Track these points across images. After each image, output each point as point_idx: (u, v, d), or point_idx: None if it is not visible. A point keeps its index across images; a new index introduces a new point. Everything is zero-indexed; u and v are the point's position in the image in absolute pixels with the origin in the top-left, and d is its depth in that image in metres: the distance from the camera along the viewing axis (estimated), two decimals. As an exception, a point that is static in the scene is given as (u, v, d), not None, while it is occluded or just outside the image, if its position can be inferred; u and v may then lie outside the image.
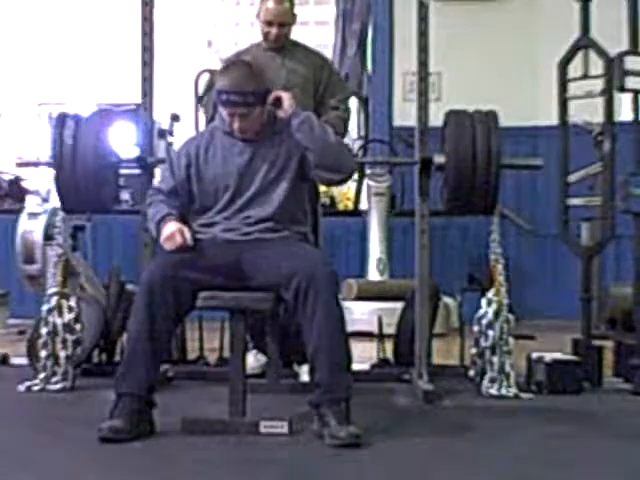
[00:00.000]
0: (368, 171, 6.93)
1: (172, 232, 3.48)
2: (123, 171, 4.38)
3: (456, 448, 3.26)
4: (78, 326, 4.20)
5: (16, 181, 7.63)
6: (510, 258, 4.83)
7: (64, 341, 4.17)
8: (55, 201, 4.44)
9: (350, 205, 7.49)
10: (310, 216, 3.80)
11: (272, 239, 3.52)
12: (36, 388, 4.11)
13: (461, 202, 4.13)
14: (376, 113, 7.68)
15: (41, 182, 7.35)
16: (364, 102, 7.75)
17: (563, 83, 4.52)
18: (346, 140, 4.66)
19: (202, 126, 6.99)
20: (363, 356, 4.72)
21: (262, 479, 2.93)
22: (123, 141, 5.35)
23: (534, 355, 4.26)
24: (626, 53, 4.37)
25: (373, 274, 6.79)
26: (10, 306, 6.43)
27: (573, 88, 4.52)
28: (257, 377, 4.17)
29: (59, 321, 4.17)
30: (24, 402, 3.98)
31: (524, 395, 4.08)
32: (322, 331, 3.30)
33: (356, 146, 7.63)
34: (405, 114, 6.82)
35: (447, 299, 6.00)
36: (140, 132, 4.42)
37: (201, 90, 4.40)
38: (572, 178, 4.57)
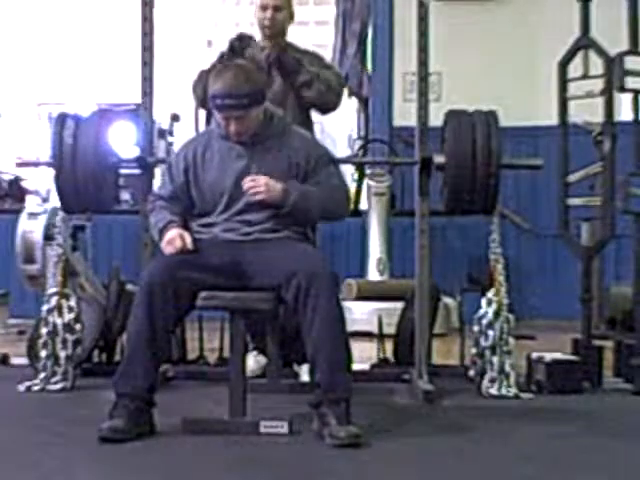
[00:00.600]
0: (368, 171, 6.93)
1: (173, 237, 3.48)
2: (123, 171, 4.38)
3: (456, 448, 3.26)
4: (78, 326, 4.20)
5: (16, 181, 7.63)
6: (510, 258, 4.83)
7: (64, 341, 4.17)
8: (55, 201, 4.44)
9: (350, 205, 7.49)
10: None
11: (272, 239, 3.52)
12: (36, 388, 4.11)
13: (461, 202, 4.14)
14: (376, 113, 7.68)
15: (41, 182, 7.35)
16: (364, 102, 7.76)
17: (563, 83, 4.52)
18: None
19: (202, 125, 7.01)
20: (363, 356, 4.72)
21: (262, 479, 2.93)
22: (123, 141, 5.36)
23: (534, 355, 4.26)
24: (626, 53, 4.37)
25: (373, 274, 6.79)
26: (10, 306, 6.43)
27: (573, 88, 4.51)
28: (257, 378, 4.18)
29: (59, 321, 4.17)
30: (24, 402, 3.98)
31: (524, 395, 4.08)
32: (322, 331, 3.30)
33: (356, 146, 7.65)
34: (405, 114, 6.82)
35: (447, 299, 6.00)
36: (140, 132, 4.42)
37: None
38: (572, 178, 4.57)
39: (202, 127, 7.10)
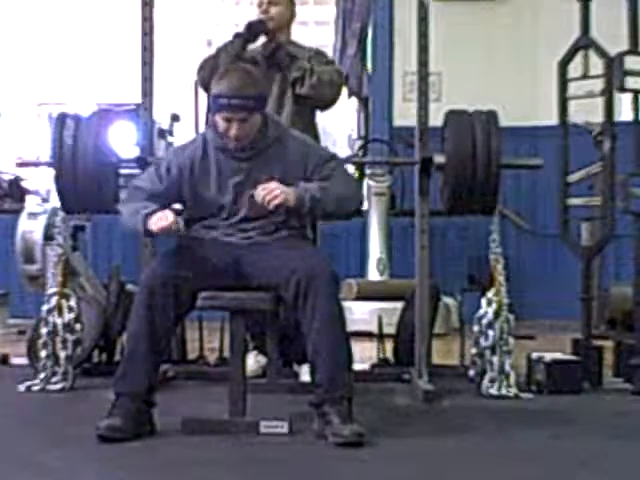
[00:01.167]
0: (368, 171, 6.93)
1: (163, 214, 3.36)
2: (123, 171, 4.38)
3: (456, 448, 3.26)
4: (78, 326, 4.20)
5: (16, 181, 7.62)
6: (510, 258, 4.84)
7: (64, 341, 4.17)
8: (55, 201, 4.44)
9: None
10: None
11: (271, 241, 3.52)
12: (36, 388, 4.11)
13: (461, 202, 4.14)
14: (376, 113, 7.68)
15: (41, 182, 7.35)
16: (364, 102, 7.75)
17: (563, 83, 4.52)
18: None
19: (202, 126, 7.00)
20: (363, 356, 4.72)
21: (262, 479, 2.93)
22: (123, 141, 5.35)
23: (534, 355, 4.26)
24: (626, 53, 4.36)
25: (373, 274, 6.79)
26: (10, 306, 6.42)
27: (573, 88, 4.51)
28: (257, 378, 4.18)
29: (59, 321, 4.17)
30: (24, 402, 3.98)
31: (524, 395, 4.08)
32: (322, 330, 3.29)
33: (356, 146, 7.65)
34: (405, 114, 6.82)
35: (447, 299, 6.00)
36: (140, 132, 4.42)
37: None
38: (572, 178, 4.57)
39: (202, 127, 7.11)
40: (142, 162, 4.29)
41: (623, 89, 4.36)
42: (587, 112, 4.70)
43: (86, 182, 4.06)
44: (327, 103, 4.40)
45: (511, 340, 4.11)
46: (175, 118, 8.02)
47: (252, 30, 4.33)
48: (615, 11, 4.75)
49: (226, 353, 4.08)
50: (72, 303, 4.20)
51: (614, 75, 4.32)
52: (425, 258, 4.28)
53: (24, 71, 9.74)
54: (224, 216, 3.52)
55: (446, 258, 6.65)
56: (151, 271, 3.42)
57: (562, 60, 4.51)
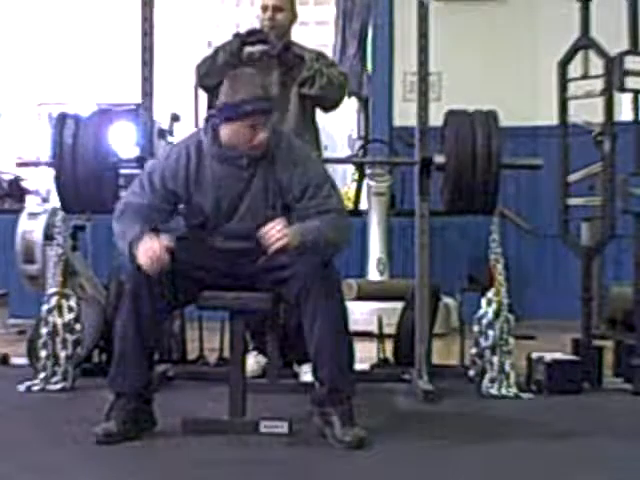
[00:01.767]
0: (368, 171, 6.93)
1: (151, 245, 3.24)
2: (123, 171, 4.38)
3: (456, 448, 3.26)
4: (78, 326, 4.20)
5: (16, 181, 7.63)
6: (510, 258, 4.83)
7: (64, 341, 4.17)
8: (55, 201, 4.44)
9: (350, 205, 7.49)
10: None
11: None
12: (36, 388, 4.11)
13: (461, 202, 4.14)
14: (376, 113, 7.68)
15: (41, 182, 7.35)
16: (364, 102, 7.75)
17: (563, 83, 4.52)
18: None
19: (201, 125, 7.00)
20: (363, 356, 4.71)
21: (262, 479, 2.93)
22: (123, 141, 5.35)
23: (534, 355, 4.26)
24: (626, 53, 4.36)
25: (373, 274, 6.79)
26: (10, 306, 6.42)
27: (573, 88, 4.51)
28: (257, 378, 4.18)
29: (59, 321, 4.17)
30: (24, 402, 3.98)
31: (524, 395, 4.09)
32: (325, 330, 3.28)
33: (356, 146, 7.65)
34: (405, 114, 6.81)
35: (447, 299, 6.00)
36: (140, 132, 4.42)
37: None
38: (572, 178, 4.57)
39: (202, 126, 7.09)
40: (142, 162, 4.29)
41: (623, 89, 4.36)
42: (587, 112, 4.70)
43: (86, 182, 4.06)
44: (333, 104, 4.41)
45: (511, 340, 4.11)
46: (175, 118, 8.01)
47: (252, 36, 4.33)
48: (615, 11, 4.75)
49: (226, 353, 4.08)
50: (72, 303, 4.20)
51: (614, 75, 4.32)
52: (425, 258, 4.28)
53: (24, 71, 9.74)
54: (222, 223, 3.46)
55: (446, 258, 6.64)
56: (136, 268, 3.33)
57: (562, 60, 4.51)
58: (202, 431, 3.32)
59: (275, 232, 3.24)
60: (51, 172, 4.12)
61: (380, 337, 4.69)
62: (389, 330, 4.74)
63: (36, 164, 4.47)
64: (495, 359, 4.10)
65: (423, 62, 4.28)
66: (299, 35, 4.52)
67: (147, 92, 4.33)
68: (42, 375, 4.15)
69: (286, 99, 4.29)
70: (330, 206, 3.39)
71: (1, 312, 6.31)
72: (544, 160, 4.30)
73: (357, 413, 3.34)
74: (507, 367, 4.09)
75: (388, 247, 6.80)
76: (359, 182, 7.21)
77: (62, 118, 4.10)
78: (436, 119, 4.24)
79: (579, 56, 4.49)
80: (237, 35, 4.34)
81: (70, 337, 4.17)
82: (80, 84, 9.57)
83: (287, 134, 3.62)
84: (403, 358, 4.55)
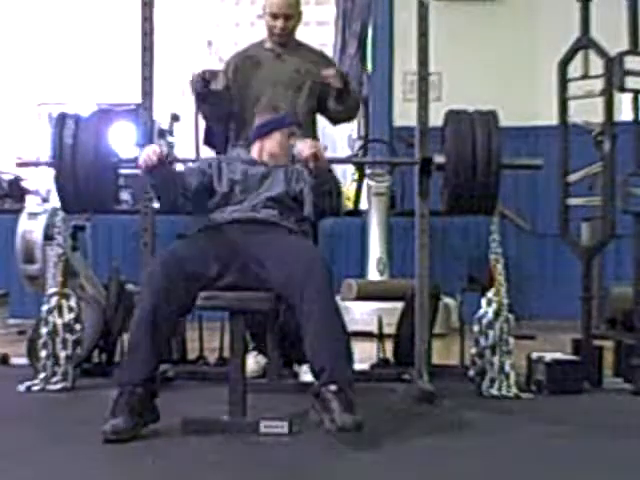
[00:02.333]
0: (368, 171, 6.94)
1: (147, 148, 3.60)
2: (123, 171, 4.38)
3: (456, 448, 3.26)
4: (78, 326, 4.20)
5: (16, 181, 7.63)
6: (510, 258, 4.83)
7: (64, 341, 4.17)
8: (55, 201, 4.44)
9: (350, 205, 7.50)
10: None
11: (272, 231, 3.61)
12: (36, 388, 4.11)
13: (461, 202, 4.13)
14: (376, 113, 7.69)
15: (41, 182, 7.36)
16: (364, 102, 7.75)
17: (563, 83, 4.52)
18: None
19: (202, 125, 7.00)
20: (363, 356, 4.72)
21: (262, 479, 2.93)
22: (123, 141, 5.35)
23: (534, 355, 4.26)
24: (626, 53, 4.36)
25: (373, 274, 6.79)
26: (10, 306, 6.43)
27: (573, 88, 4.51)
28: (257, 378, 4.18)
29: (59, 321, 4.17)
30: (24, 402, 3.98)
31: (524, 395, 4.08)
32: (321, 323, 3.32)
33: (356, 146, 7.65)
34: (405, 114, 6.82)
35: (447, 299, 6.00)
36: (140, 132, 4.42)
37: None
38: (572, 178, 4.57)
39: (202, 127, 7.11)
40: (142, 162, 4.29)
41: (623, 89, 4.36)
42: (587, 112, 4.70)
43: (86, 182, 4.06)
44: (343, 122, 4.60)
45: (511, 340, 4.11)
46: (175, 118, 8.03)
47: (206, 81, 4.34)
48: (615, 11, 4.75)
49: (226, 353, 4.08)
50: (72, 303, 4.20)
51: (614, 75, 4.32)
52: (425, 258, 4.28)
53: (24, 71, 9.75)
54: (238, 200, 3.73)
55: (446, 258, 6.65)
56: (156, 264, 3.49)
57: (562, 60, 4.51)
58: (202, 431, 3.32)
59: (310, 144, 3.62)
60: (51, 172, 4.12)
61: (380, 337, 4.69)
62: (389, 330, 4.74)
63: (36, 164, 4.47)
64: (495, 359, 4.10)
65: (423, 62, 4.28)
66: (299, 35, 4.53)
67: (147, 92, 4.33)
68: (42, 375, 4.15)
69: (299, 92, 4.36)
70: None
71: (1, 312, 6.32)
72: (544, 160, 4.30)
73: (357, 413, 3.34)
74: (507, 367, 4.09)
75: (388, 247, 6.81)
76: (359, 182, 7.22)
77: (62, 118, 4.09)
78: (436, 119, 4.24)
79: (579, 56, 4.49)
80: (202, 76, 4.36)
81: (70, 337, 4.18)
82: (80, 84, 9.57)
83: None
84: (403, 358, 4.54)
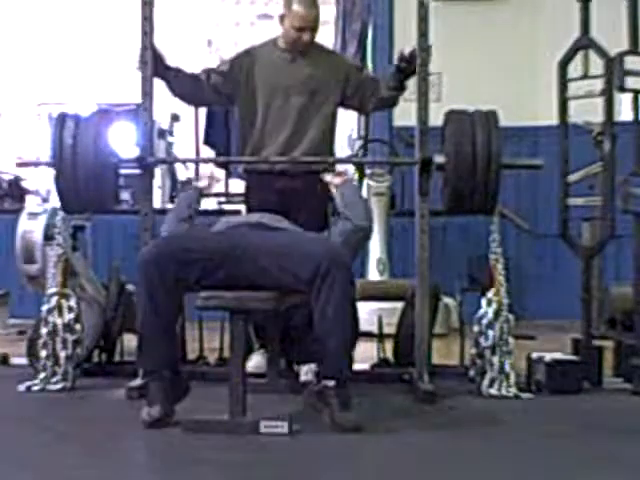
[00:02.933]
0: (368, 171, 6.93)
1: None
2: (123, 171, 4.38)
3: (456, 448, 3.26)
4: (78, 326, 4.20)
5: (16, 181, 7.63)
6: (510, 258, 4.83)
7: (64, 341, 4.17)
8: (55, 201, 4.44)
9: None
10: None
11: (281, 227, 3.73)
12: (36, 388, 4.12)
13: (461, 202, 4.13)
14: (376, 113, 7.66)
15: (41, 182, 7.35)
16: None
17: (563, 83, 4.52)
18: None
19: (201, 125, 7.01)
20: (363, 356, 4.71)
21: (262, 479, 2.93)
22: (123, 141, 5.35)
23: (534, 355, 4.26)
24: (626, 53, 4.36)
25: (373, 274, 6.79)
26: (10, 306, 6.42)
27: (573, 88, 4.51)
28: (260, 376, 4.18)
29: (59, 321, 4.17)
30: (24, 402, 3.98)
31: (524, 395, 4.08)
32: (337, 312, 3.38)
33: (356, 146, 7.64)
34: (405, 114, 6.80)
35: (447, 299, 5.99)
36: (140, 132, 4.42)
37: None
38: (572, 178, 4.57)
39: (202, 127, 7.11)
40: (142, 162, 4.29)
41: (623, 89, 4.36)
42: (587, 112, 4.70)
43: (86, 182, 4.06)
44: (371, 111, 4.73)
45: (511, 340, 4.11)
46: (175, 118, 8.02)
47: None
48: (615, 11, 4.75)
49: (226, 353, 4.08)
50: (72, 303, 4.20)
51: (614, 75, 4.32)
52: (425, 258, 4.28)
53: (24, 71, 9.75)
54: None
55: (446, 258, 6.64)
56: (147, 250, 3.58)
57: (562, 60, 4.51)
58: (202, 431, 3.32)
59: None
60: (51, 172, 4.12)
61: (380, 337, 4.69)
62: (389, 330, 4.74)
63: (36, 164, 4.47)
64: (495, 359, 4.10)
65: (423, 62, 4.28)
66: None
67: (147, 92, 4.33)
68: (42, 375, 4.15)
69: (315, 94, 4.38)
70: None
71: (1, 312, 6.31)
72: (544, 160, 4.30)
73: (357, 413, 3.34)
74: (507, 367, 4.09)
75: (388, 247, 6.80)
76: (359, 182, 7.20)
77: (62, 118, 4.09)
78: (436, 119, 4.24)
79: (579, 56, 4.49)
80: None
81: (70, 337, 4.18)
82: (80, 84, 9.57)
83: None
84: (403, 358, 4.54)
